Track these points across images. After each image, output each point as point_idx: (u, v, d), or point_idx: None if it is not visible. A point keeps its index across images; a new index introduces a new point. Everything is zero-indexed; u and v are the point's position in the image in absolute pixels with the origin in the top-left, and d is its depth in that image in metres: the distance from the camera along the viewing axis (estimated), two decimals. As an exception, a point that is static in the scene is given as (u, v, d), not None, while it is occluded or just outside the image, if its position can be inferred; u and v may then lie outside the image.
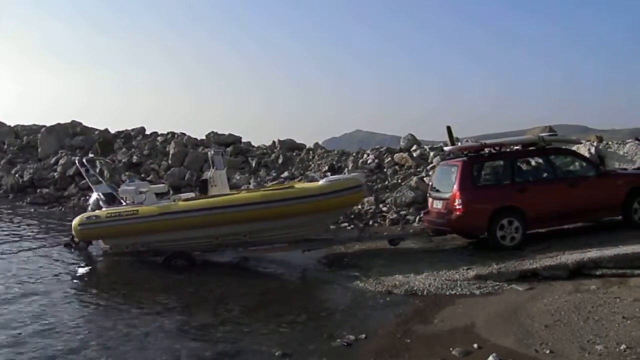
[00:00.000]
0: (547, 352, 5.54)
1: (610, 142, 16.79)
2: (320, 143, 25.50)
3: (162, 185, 14.26)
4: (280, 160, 22.46)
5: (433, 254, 10.80)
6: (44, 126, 30.95)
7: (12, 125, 33.32)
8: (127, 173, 23.37)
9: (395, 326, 7.01)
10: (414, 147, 19.79)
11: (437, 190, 11.77)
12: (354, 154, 21.38)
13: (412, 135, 20.59)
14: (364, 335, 6.69)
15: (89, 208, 13.12)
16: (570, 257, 8.76)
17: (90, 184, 13.66)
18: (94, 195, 13.10)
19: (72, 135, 29.69)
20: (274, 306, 8.48)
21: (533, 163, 12.25)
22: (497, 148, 11.72)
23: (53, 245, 13.82)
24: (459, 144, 12.75)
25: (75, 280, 10.91)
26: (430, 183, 12.79)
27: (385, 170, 18.87)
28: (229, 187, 13.87)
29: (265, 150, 24.50)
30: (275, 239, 11.80)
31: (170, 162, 24.12)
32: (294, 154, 23.28)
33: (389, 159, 19.24)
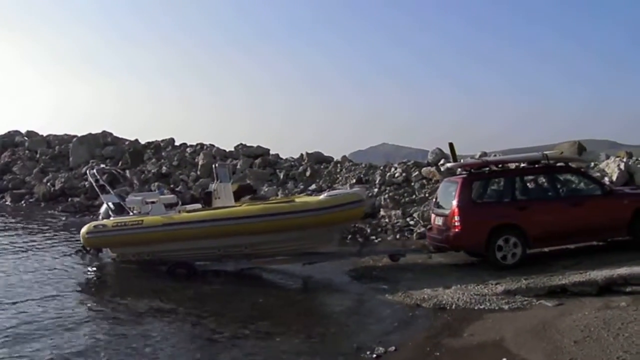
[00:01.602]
0: (576, 367, 5.59)
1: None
2: (347, 156, 25.63)
3: (172, 196, 14.54)
4: (308, 173, 22.60)
5: (461, 268, 10.84)
6: (75, 136, 31.62)
7: (45, 135, 33.96)
8: (156, 183, 23.76)
9: (424, 339, 7.09)
10: (442, 162, 19.82)
11: (439, 207, 11.75)
12: (381, 167, 21.46)
13: (439, 149, 20.61)
14: (393, 348, 6.79)
15: (100, 217, 13.52)
16: (599, 274, 8.73)
17: (99, 194, 13.95)
18: (104, 205, 13.42)
19: (102, 145, 30.27)
20: (303, 318, 8.64)
21: (537, 181, 12.05)
22: (499, 165, 11.70)
23: (66, 253, 14.15)
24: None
25: (81, 286, 11.38)
26: (434, 199, 12.79)
27: (412, 184, 18.91)
28: (233, 200, 14.04)
29: (293, 163, 24.70)
30: (276, 252, 11.97)
31: (199, 173, 24.48)
32: (322, 166, 23.42)
33: (417, 172, 19.26)
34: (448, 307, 8.42)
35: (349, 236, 14.80)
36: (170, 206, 13.22)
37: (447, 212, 11.10)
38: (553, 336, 6.63)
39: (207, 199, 14.22)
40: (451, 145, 12.97)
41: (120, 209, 12.94)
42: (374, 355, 6.57)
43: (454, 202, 10.86)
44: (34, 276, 11.55)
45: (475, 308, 8.26)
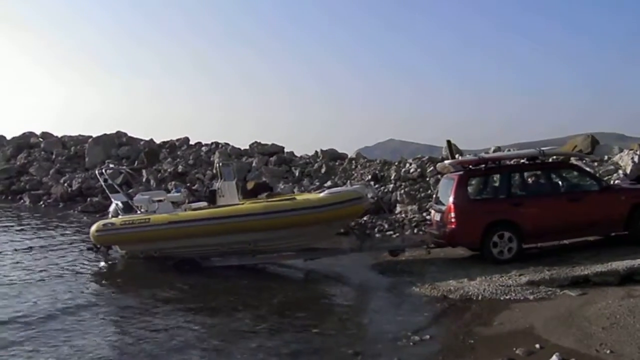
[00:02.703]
0: (608, 352, 5.85)
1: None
2: (353, 152, 25.96)
3: (179, 194, 14.93)
4: (323, 170, 22.90)
5: (484, 260, 11.06)
6: (90, 136, 31.98)
7: (60, 135, 34.35)
8: (173, 182, 24.08)
9: (456, 328, 7.41)
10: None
11: (439, 203, 11.91)
12: (396, 163, 21.72)
13: (454, 145, 20.86)
14: (428, 336, 7.11)
15: (110, 215, 13.86)
16: (621, 264, 9.00)
17: (108, 193, 14.35)
18: (113, 204, 13.81)
19: (118, 146, 30.63)
20: (337, 310, 9.00)
21: (533, 177, 12.06)
22: (496, 162, 11.80)
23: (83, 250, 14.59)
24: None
25: (91, 279, 11.94)
26: (435, 195, 12.97)
27: (427, 179, 19.15)
28: (237, 198, 14.36)
29: (308, 160, 25.00)
30: (279, 248, 12.29)
31: (215, 171, 24.77)
32: (337, 163, 23.71)
33: (431, 168, 19.49)
34: (474, 298, 8.71)
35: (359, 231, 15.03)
36: (177, 204, 13.60)
37: (444, 208, 11.31)
38: (581, 323, 6.91)
39: (211, 197, 14.60)
40: (449, 142, 13.17)
41: (128, 208, 13.35)
42: (411, 344, 6.88)
43: (450, 199, 11.05)
44: (51, 271, 12.06)
45: (501, 298, 8.55)
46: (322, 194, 12.49)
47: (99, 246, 13.60)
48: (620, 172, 15.71)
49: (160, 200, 13.31)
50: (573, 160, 15.49)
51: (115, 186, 14.20)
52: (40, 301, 9.48)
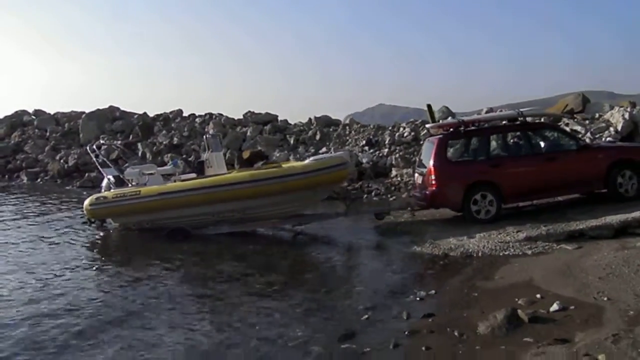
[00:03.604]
0: (605, 299, 6.16)
1: (644, 107, 17.15)
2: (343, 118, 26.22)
3: (169, 167, 15.32)
4: (317, 137, 23.13)
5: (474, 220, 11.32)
6: (84, 112, 32.05)
7: (53, 113, 34.35)
8: (169, 155, 24.25)
9: (459, 283, 7.72)
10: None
11: (421, 166, 12.14)
12: (390, 128, 21.97)
13: (446, 107, 21.10)
14: (433, 291, 7.43)
15: (102, 190, 14.20)
16: (614, 218, 9.35)
17: (99, 168, 14.78)
18: (105, 179, 14.22)
19: (111, 120, 30.70)
20: (342, 271, 9.36)
21: (512, 138, 12.23)
22: (475, 124, 11.95)
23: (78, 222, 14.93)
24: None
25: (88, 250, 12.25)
26: (418, 158, 13.22)
27: (421, 142, 19.39)
28: (225, 168, 14.74)
29: (302, 128, 25.17)
30: (266, 215, 12.70)
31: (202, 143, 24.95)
32: (331, 129, 23.92)
33: (425, 131, 19.76)
34: (475, 255, 9.06)
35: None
36: (168, 176, 14.05)
37: (425, 171, 11.54)
38: (578, 275, 7.23)
39: (200, 168, 14.95)
40: (429, 106, 13.44)
41: (120, 182, 13.76)
42: (418, 298, 7.20)
43: (431, 162, 11.27)
44: (49, 245, 12.33)
45: (501, 254, 8.91)
46: (306, 161, 12.88)
47: (92, 220, 13.96)
48: (612, 129, 16.02)
49: (151, 174, 13.69)
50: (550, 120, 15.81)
51: (107, 161, 14.59)
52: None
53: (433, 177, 11.14)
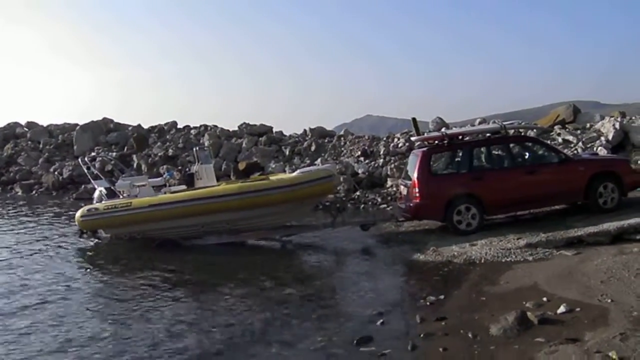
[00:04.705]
0: (609, 301, 6.46)
1: (634, 117, 17.56)
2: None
3: (160, 179, 15.60)
4: (312, 148, 23.36)
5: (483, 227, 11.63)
6: (77, 124, 32.12)
7: (45, 125, 34.43)
8: (164, 166, 24.42)
9: (467, 288, 8.00)
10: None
11: (407, 178, 12.36)
12: (384, 139, 22.28)
13: (440, 118, 21.46)
14: (442, 296, 7.70)
15: (94, 201, 14.45)
16: (612, 224, 9.63)
17: (91, 180, 15.09)
18: (97, 190, 14.50)
19: (106, 132, 30.81)
20: (351, 278, 9.56)
21: (495, 151, 12.33)
22: (459, 138, 12.13)
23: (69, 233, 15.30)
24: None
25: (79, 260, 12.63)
26: (404, 170, 13.47)
27: (412, 154, 19.74)
28: (215, 180, 15.04)
29: (297, 139, 25.41)
30: (255, 226, 12.97)
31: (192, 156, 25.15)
32: (326, 140, 24.19)
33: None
34: (478, 262, 9.34)
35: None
36: (158, 188, 14.31)
37: (410, 183, 11.78)
38: (580, 279, 7.53)
39: (190, 180, 15.16)
40: (414, 119, 13.70)
41: (112, 193, 13.98)
42: (428, 303, 7.48)
43: (415, 175, 11.51)
44: (43, 254, 12.80)
45: (503, 260, 9.19)
46: (294, 174, 13.17)
47: (84, 231, 14.21)
48: (602, 138, 16.41)
49: (142, 185, 13.92)
50: (532, 133, 16.20)
51: (98, 173, 14.86)
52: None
53: (417, 189, 11.36)
